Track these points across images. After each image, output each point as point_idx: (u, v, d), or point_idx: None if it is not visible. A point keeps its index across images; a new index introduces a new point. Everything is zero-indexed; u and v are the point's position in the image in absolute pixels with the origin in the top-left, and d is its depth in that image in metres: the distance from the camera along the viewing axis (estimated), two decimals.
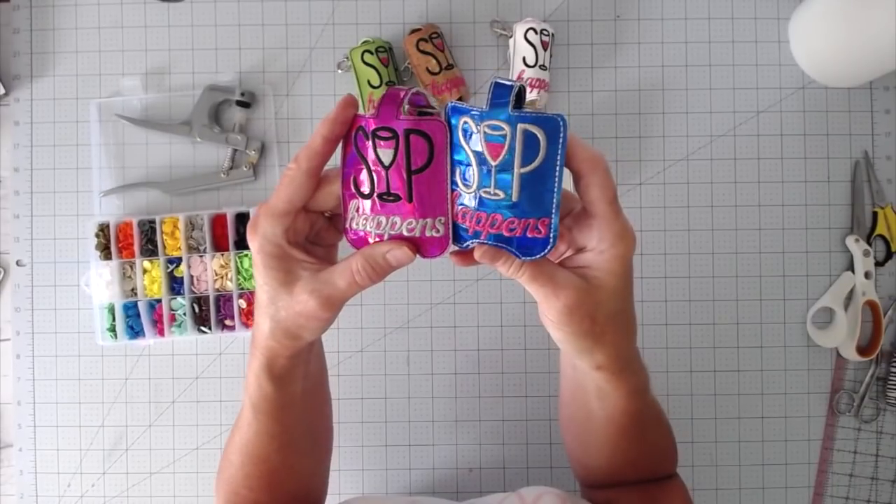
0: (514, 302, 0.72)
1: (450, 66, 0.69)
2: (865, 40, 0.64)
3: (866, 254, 0.71)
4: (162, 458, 0.72)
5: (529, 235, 0.38)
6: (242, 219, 0.71)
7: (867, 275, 0.71)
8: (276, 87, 0.73)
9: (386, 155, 0.38)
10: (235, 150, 0.72)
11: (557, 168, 0.37)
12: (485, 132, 0.37)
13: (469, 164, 0.38)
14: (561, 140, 0.37)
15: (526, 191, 0.37)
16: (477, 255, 0.38)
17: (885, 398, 0.71)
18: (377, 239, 0.39)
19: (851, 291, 0.71)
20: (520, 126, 0.36)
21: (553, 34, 0.70)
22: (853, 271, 0.71)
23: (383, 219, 0.39)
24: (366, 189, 0.39)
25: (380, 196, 0.38)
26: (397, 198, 0.38)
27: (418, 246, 0.39)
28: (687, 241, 0.72)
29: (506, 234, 0.38)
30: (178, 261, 0.70)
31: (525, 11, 0.73)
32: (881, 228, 0.72)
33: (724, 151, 0.73)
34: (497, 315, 0.73)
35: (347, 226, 0.40)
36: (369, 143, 0.38)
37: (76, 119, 0.73)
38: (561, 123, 0.36)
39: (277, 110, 0.73)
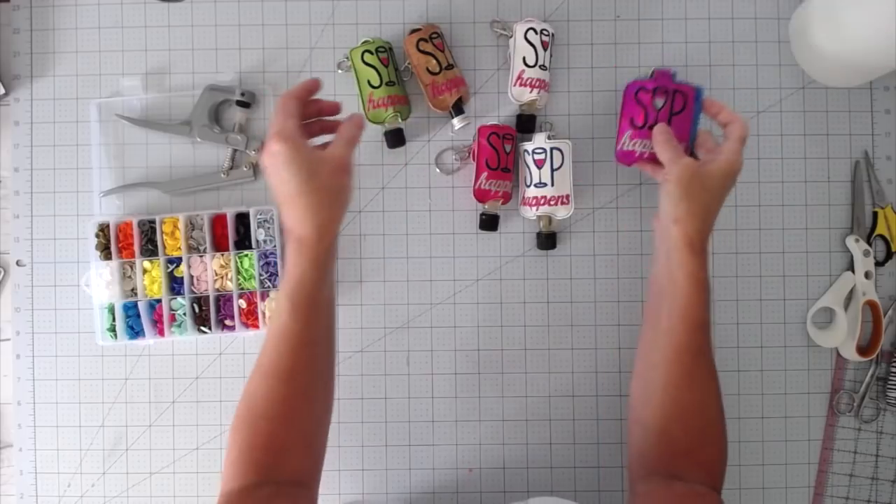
0: (515, 302, 0.72)
1: (450, 66, 0.69)
2: (865, 40, 0.64)
3: (866, 254, 0.71)
4: (162, 458, 0.72)
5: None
6: (242, 219, 0.71)
7: (867, 275, 0.71)
8: (276, 87, 0.73)
9: (660, 102, 0.63)
10: (235, 150, 0.72)
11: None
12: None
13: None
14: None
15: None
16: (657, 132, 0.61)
17: (885, 398, 0.71)
18: (641, 154, 0.64)
19: (851, 291, 0.71)
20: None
21: (553, 34, 0.70)
22: (853, 271, 0.71)
23: (647, 141, 0.63)
24: (640, 123, 0.63)
25: (649, 127, 0.62)
26: None
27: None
28: None
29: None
30: (178, 261, 0.70)
31: (525, 11, 0.73)
32: (881, 228, 0.72)
33: None
34: (497, 315, 0.73)
35: (620, 148, 0.65)
36: (649, 96, 0.63)
37: (76, 119, 0.73)
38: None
39: None
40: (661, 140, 0.59)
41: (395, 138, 0.70)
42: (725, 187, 0.57)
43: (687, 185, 0.56)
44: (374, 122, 0.69)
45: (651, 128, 0.62)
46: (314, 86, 0.58)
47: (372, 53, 0.68)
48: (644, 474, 0.55)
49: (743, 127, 0.59)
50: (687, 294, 0.55)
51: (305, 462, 0.54)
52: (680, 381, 0.55)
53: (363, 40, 0.69)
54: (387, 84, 0.68)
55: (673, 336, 0.55)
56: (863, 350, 0.71)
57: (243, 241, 0.71)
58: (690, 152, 0.63)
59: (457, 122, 0.70)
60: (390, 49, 0.70)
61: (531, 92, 0.68)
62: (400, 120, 0.69)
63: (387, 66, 0.68)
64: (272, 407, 0.52)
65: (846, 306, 0.71)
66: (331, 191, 0.53)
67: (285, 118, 0.53)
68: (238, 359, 0.73)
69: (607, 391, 0.72)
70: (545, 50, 0.68)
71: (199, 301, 0.71)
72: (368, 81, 0.68)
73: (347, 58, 0.70)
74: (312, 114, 0.59)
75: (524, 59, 0.68)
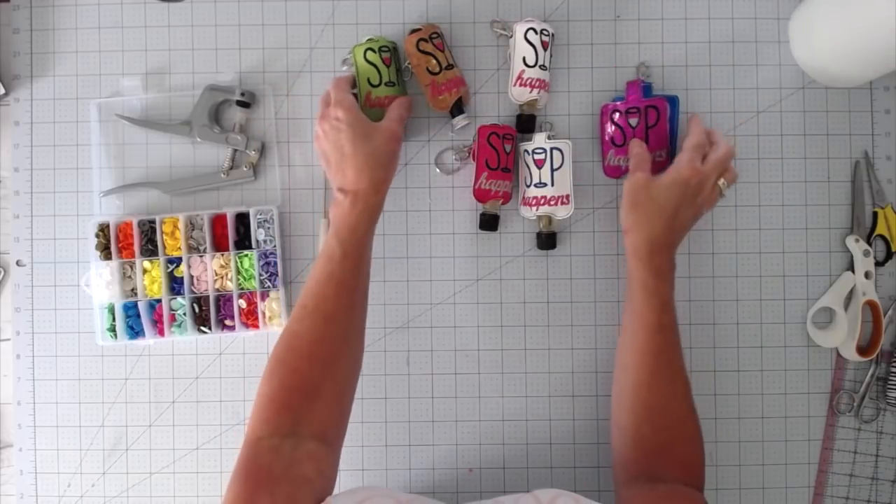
0: (515, 302, 0.72)
1: (450, 66, 0.69)
2: (865, 40, 0.64)
3: (866, 254, 0.71)
4: (162, 458, 0.72)
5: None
6: (242, 219, 0.71)
7: (867, 275, 0.71)
8: (276, 87, 0.73)
9: (634, 121, 0.69)
10: (235, 150, 0.72)
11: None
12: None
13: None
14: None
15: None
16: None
17: (885, 398, 0.71)
18: (626, 167, 0.67)
19: (851, 291, 0.71)
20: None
21: (553, 34, 0.70)
22: (853, 271, 0.71)
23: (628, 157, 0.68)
24: (620, 142, 0.69)
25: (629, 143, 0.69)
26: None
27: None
28: (687, 241, 0.72)
29: None
30: (178, 261, 0.70)
31: (525, 11, 0.73)
32: (881, 228, 0.72)
33: None
34: (497, 315, 0.73)
35: (607, 164, 0.71)
36: (624, 118, 0.69)
37: (76, 119, 0.73)
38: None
39: (277, 110, 0.73)
40: (632, 154, 0.65)
41: None
42: (676, 196, 0.60)
43: (634, 197, 0.60)
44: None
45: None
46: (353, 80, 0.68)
47: (375, 52, 0.68)
48: (626, 479, 0.57)
49: (694, 134, 0.63)
50: (639, 300, 0.59)
51: (333, 415, 0.56)
52: (644, 381, 0.58)
53: (368, 38, 0.69)
54: (386, 84, 0.68)
55: (635, 339, 0.59)
56: (863, 350, 0.71)
57: (243, 241, 0.71)
58: (672, 157, 0.68)
59: (457, 122, 0.70)
60: (394, 49, 0.70)
61: (531, 92, 0.68)
62: None
63: (388, 66, 0.68)
64: (313, 346, 0.56)
65: (846, 306, 0.71)
66: (383, 154, 0.60)
67: (344, 93, 0.63)
68: (238, 359, 0.73)
69: (607, 391, 0.72)
70: (545, 50, 0.68)
71: (199, 301, 0.71)
72: (368, 80, 0.68)
73: (351, 53, 0.70)
74: None
75: (524, 59, 0.68)
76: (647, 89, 0.69)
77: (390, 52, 0.69)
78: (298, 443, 0.52)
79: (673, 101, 0.70)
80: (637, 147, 0.65)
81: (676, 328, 0.60)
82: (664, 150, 0.69)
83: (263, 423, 0.53)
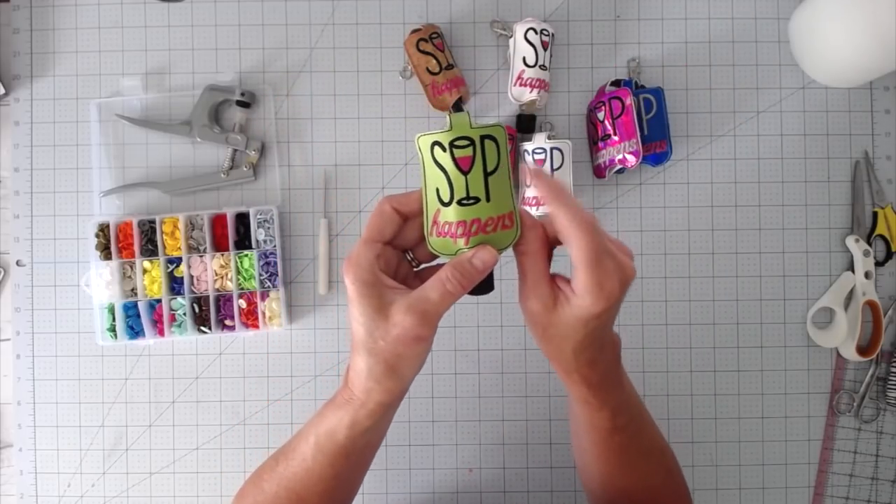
0: (515, 302, 0.72)
1: (450, 66, 0.69)
2: (866, 40, 0.64)
3: (866, 254, 0.71)
4: (162, 458, 0.72)
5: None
6: (242, 219, 0.71)
7: (867, 275, 0.71)
8: (276, 87, 0.73)
9: (601, 115, 0.67)
10: (235, 150, 0.72)
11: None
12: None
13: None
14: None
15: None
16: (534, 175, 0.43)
17: (885, 398, 0.71)
18: (606, 163, 0.67)
19: (851, 291, 0.71)
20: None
21: (553, 34, 0.70)
22: (853, 271, 0.71)
23: (604, 152, 0.68)
24: (596, 139, 0.68)
25: (601, 139, 0.68)
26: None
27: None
28: (687, 241, 0.72)
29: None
30: (178, 261, 0.70)
31: (525, 11, 0.73)
32: (881, 228, 0.72)
33: (724, 151, 0.73)
34: (497, 315, 0.72)
35: (594, 164, 0.70)
36: (594, 114, 0.68)
37: (76, 119, 0.73)
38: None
39: (277, 110, 0.73)
40: (520, 272, 0.46)
41: (482, 283, 0.46)
42: (586, 334, 0.43)
43: (533, 331, 0.47)
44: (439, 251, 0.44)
45: (603, 139, 0.68)
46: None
47: (444, 149, 0.40)
48: None
49: (586, 240, 0.40)
50: (585, 416, 0.49)
51: None
52: (615, 473, 0.51)
53: (454, 116, 0.41)
54: (461, 202, 0.41)
55: (593, 445, 0.50)
56: (863, 350, 0.71)
57: (243, 241, 0.71)
58: (670, 148, 0.68)
59: None
60: (484, 140, 0.41)
61: (531, 92, 0.68)
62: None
63: (468, 172, 0.41)
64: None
65: (846, 306, 0.71)
66: (388, 360, 0.41)
67: (366, 240, 0.41)
68: (238, 359, 0.73)
69: None
70: (545, 50, 0.68)
71: (199, 301, 0.71)
72: (437, 191, 0.42)
73: (416, 146, 0.42)
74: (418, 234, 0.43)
75: (524, 59, 0.68)
76: (627, 85, 0.70)
77: (473, 147, 0.40)
78: None
79: (657, 93, 0.69)
80: (525, 265, 0.46)
81: (637, 412, 0.50)
82: (634, 138, 0.66)
83: None
